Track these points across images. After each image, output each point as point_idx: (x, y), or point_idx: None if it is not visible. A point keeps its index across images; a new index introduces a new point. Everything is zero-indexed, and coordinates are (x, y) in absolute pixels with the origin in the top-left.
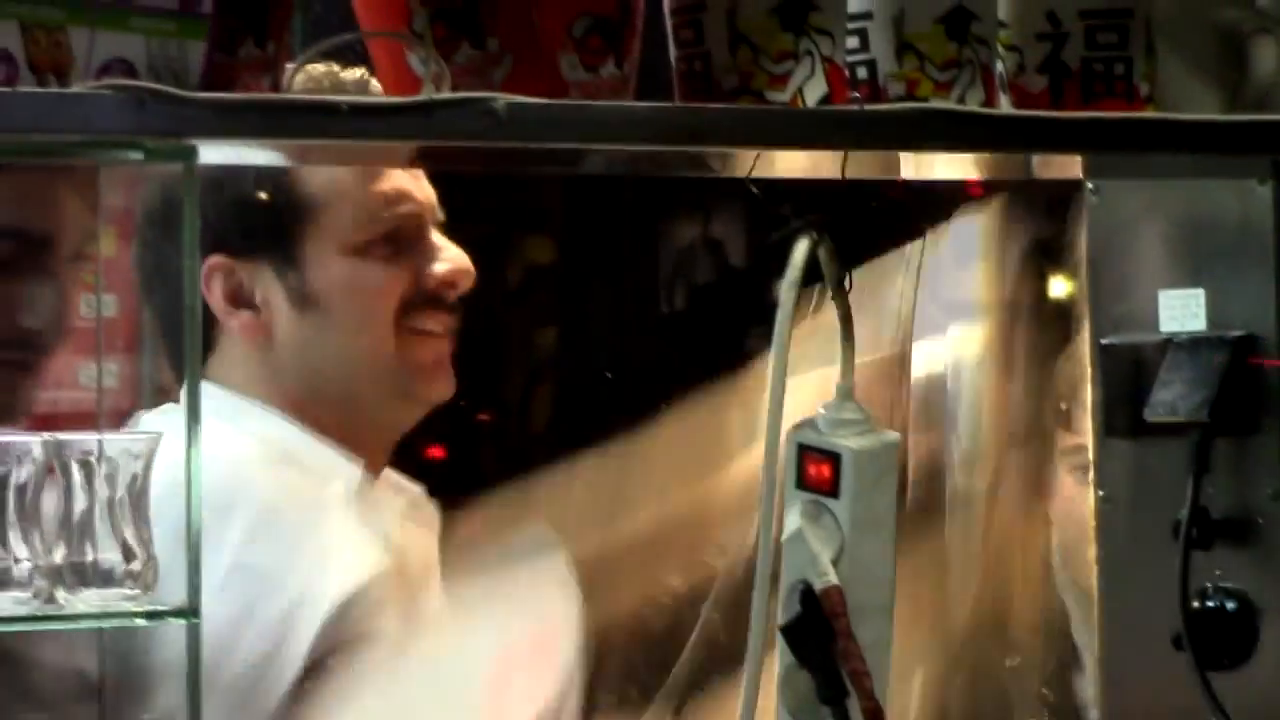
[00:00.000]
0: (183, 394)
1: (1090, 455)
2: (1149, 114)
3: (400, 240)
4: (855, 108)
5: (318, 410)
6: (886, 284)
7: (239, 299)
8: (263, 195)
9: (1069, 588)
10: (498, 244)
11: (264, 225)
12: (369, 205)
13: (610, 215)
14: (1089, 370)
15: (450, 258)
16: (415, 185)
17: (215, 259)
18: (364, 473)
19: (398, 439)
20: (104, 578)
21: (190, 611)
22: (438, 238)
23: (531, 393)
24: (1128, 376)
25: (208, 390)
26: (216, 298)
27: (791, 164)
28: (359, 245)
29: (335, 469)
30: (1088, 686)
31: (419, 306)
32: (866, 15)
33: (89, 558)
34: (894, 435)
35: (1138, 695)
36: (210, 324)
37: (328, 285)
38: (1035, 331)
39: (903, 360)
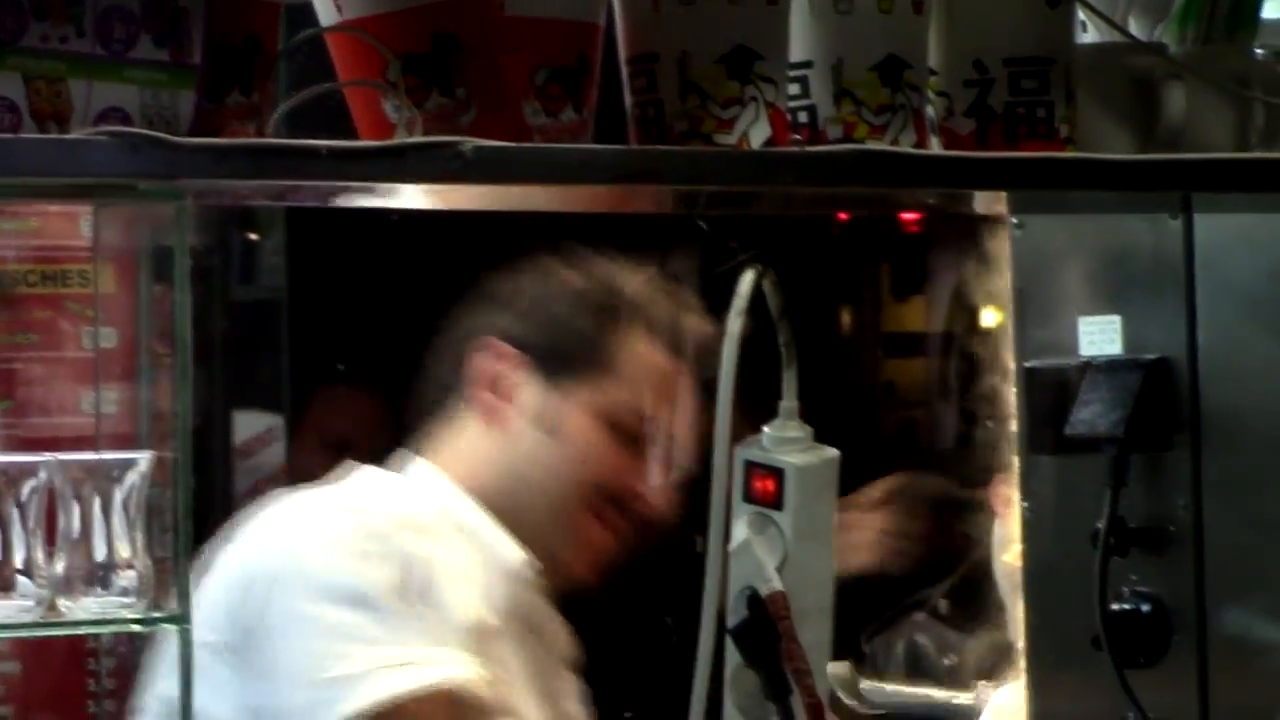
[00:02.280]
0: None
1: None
2: (1069, 154)
3: (626, 442)
4: (797, 149)
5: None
6: None
7: (498, 386)
8: (581, 320)
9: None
10: None
11: (568, 343)
12: (640, 398)
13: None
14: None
15: (648, 482)
16: (665, 410)
17: (495, 340)
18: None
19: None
20: (102, 586)
21: (181, 617)
22: (648, 461)
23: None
24: (1050, 397)
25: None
26: (485, 373)
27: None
28: (608, 420)
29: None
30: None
31: (609, 499)
32: (807, 64)
33: (89, 568)
34: (833, 451)
35: (1061, 692)
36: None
37: (570, 427)
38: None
39: None
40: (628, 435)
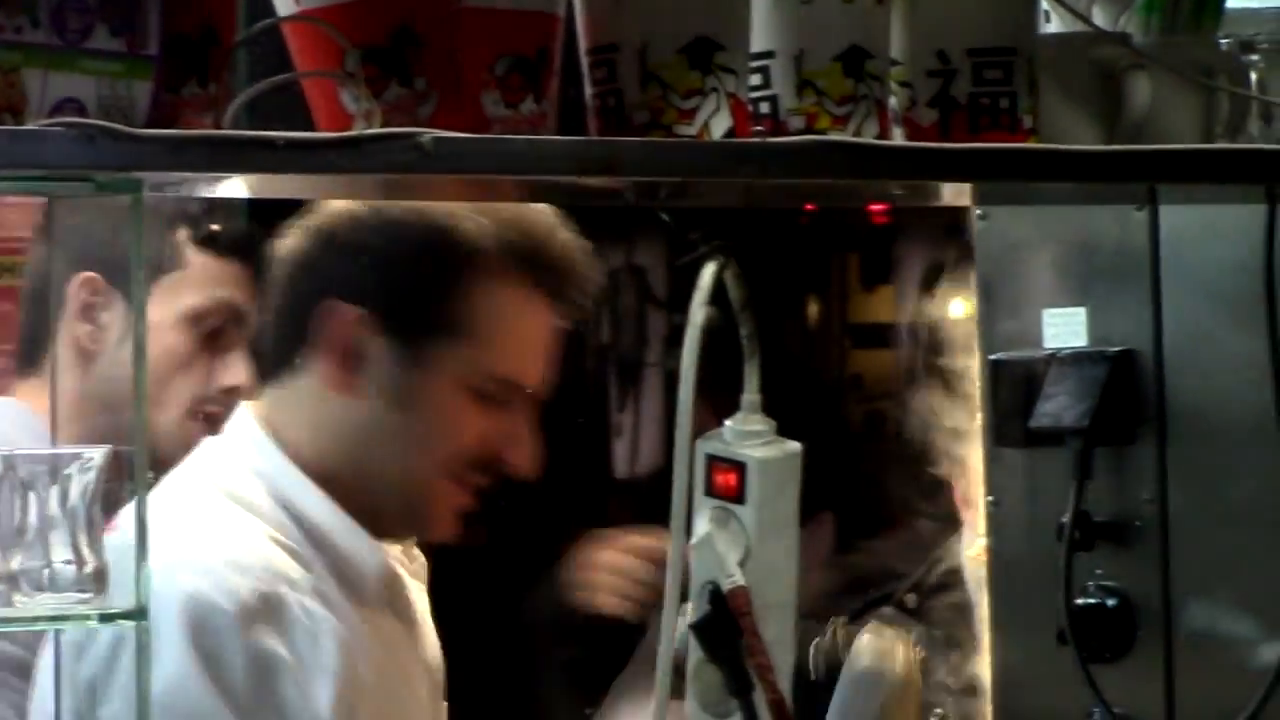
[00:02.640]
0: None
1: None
2: (1033, 145)
3: (496, 408)
4: (758, 140)
5: (338, 487)
6: None
7: (344, 351)
8: (422, 273)
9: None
10: None
11: (417, 306)
12: (498, 361)
13: None
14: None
15: (528, 446)
16: (539, 369)
17: (346, 305)
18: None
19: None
20: (59, 582)
21: (139, 613)
22: (525, 422)
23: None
24: (1015, 390)
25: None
26: (328, 336)
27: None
28: (468, 387)
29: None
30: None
31: (476, 466)
32: (769, 54)
33: (45, 564)
34: (796, 445)
35: (1026, 686)
36: (293, 346)
37: (423, 402)
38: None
39: None
40: (493, 400)
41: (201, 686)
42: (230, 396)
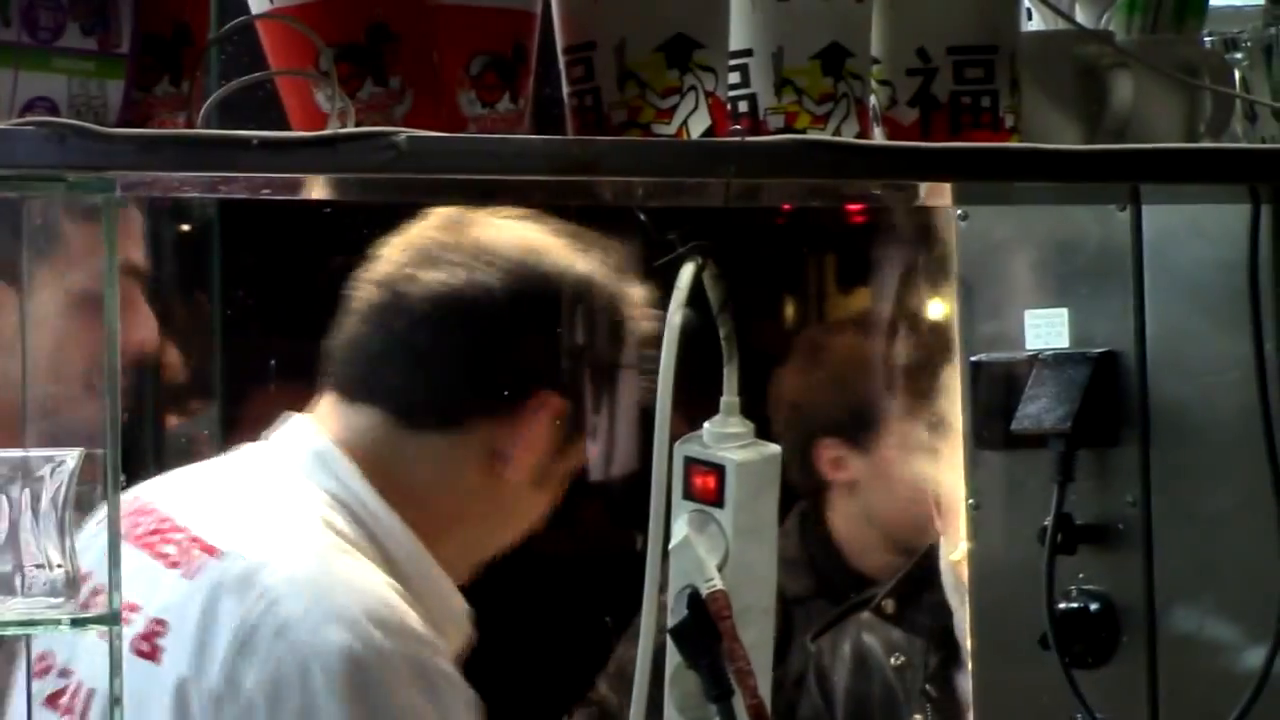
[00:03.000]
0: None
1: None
2: (1014, 144)
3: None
4: (737, 140)
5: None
6: None
7: (548, 441)
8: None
9: (954, 589)
10: None
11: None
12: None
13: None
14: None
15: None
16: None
17: (560, 401)
18: None
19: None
20: (30, 587)
21: (112, 618)
22: None
23: None
24: (996, 392)
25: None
26: (539, 427)
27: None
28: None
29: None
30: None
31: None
32: (747, 52)
33: (15, 568)
34: (775, 448)
35: (1008, 692)
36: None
37: (553, 487)
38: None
39: None
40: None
41: None
42: (139, 351)
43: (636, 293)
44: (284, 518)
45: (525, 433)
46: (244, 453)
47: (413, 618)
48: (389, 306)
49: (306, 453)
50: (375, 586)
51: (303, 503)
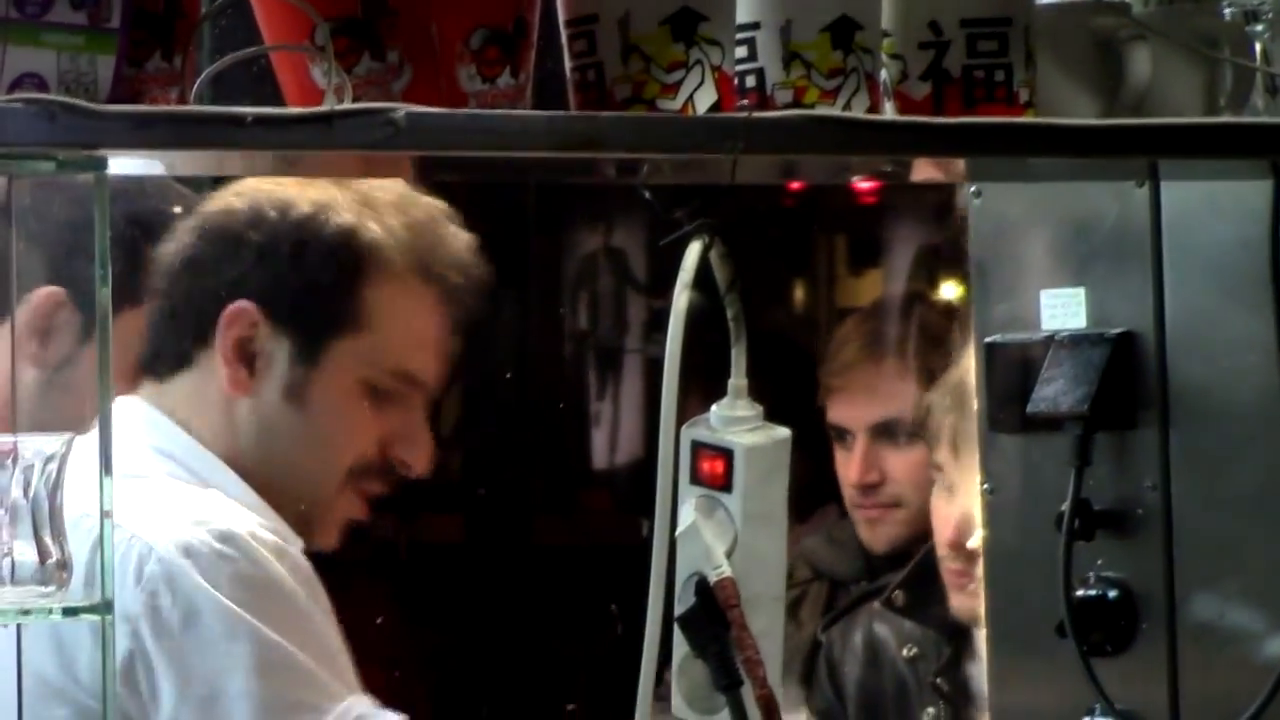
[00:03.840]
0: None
1: (947, 472)
2: (1029, 119)
3: (393, 405)
4: (744, 115)
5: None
6: None
7: (244, 353)
8: (323, 274)
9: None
10: None
11: (315, 304)
12: (395, 355)
13: (515, 224)
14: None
15: (424, 446)
16: (435, 365)
17: (251, 307)
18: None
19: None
20: (20, 576)
21: (104, 607)
22: (422, 420)
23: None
24: (1012, 374)
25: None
26: (229, 339)
27: None
28: (365, 382)
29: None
30: (981, 676)
31: (372, 471)
32: (754, 25)
33: (5, 557)
34: (785, 431)
35: (1024, 682)
36: (192, 344)
37: (321, 399)
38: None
39: None
40: (389, 398)
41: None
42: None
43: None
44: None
45: (224, 348)
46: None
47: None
48: None
49: (135, 419)
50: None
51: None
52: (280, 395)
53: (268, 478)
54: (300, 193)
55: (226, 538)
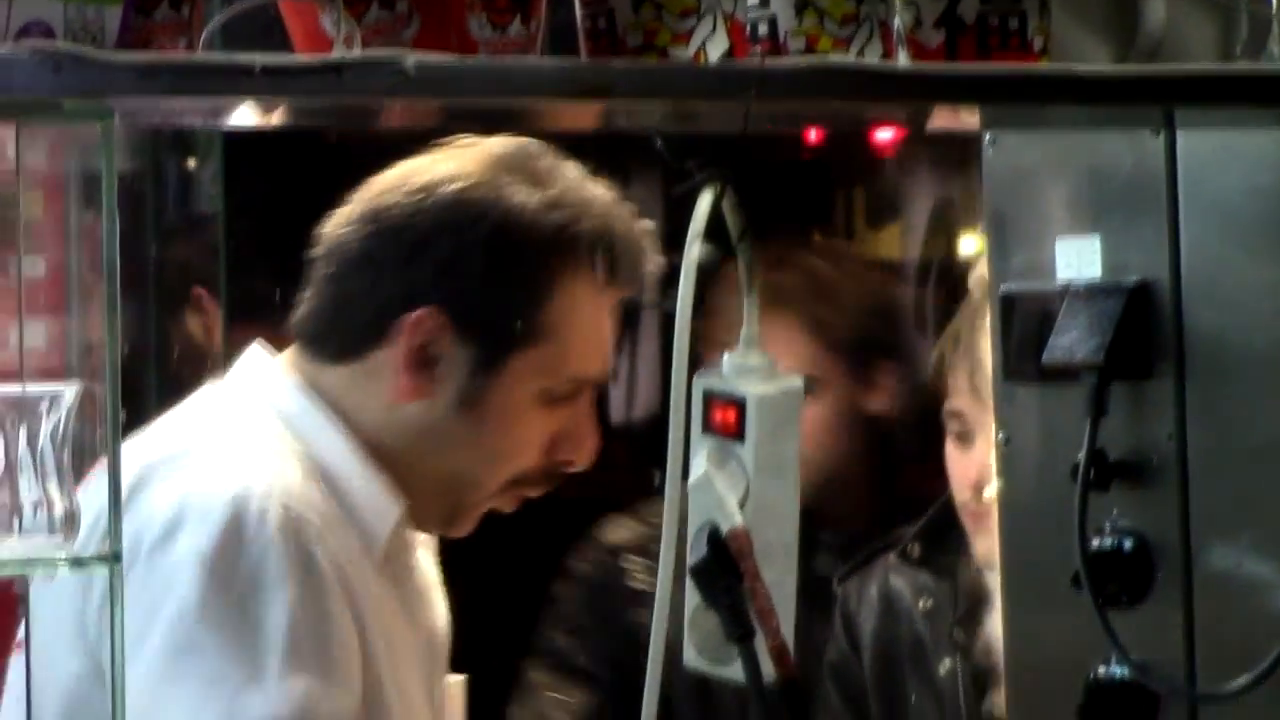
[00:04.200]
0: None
1: (967, 420)
2: (1045, 66)
3: (564, 407)
4: (756, 64)
5: (391, 477)
6: None
7: (424, 359)
8: (512, 289)
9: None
10: None
11: (503, 316)
12: (575, 363)
13: None
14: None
15: (590, 442)
16: (607, 362)
17: (437, 314)
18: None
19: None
20: (28, 526)
21: (114, 556)
22: (589, 416)
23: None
24: (1027, 323)
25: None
26: (411, 346)
27: None
28: (543, 392)
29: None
30: (997, 628)
31: (533, 477)
32: None
33: (13, 507)
34: (797, 381)
35: (1039, 634)
36: (366, 342)
37: (497, 410)
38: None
39: None
40: (561, 401)
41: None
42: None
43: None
44: (215, 428)
45: (404, 355)
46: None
47: (309, 511)
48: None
49: (252, 373)
50: (283, 474)
51: (238, 414)
52: (455, 404)
53: (420, 480)
54: (489, 195)
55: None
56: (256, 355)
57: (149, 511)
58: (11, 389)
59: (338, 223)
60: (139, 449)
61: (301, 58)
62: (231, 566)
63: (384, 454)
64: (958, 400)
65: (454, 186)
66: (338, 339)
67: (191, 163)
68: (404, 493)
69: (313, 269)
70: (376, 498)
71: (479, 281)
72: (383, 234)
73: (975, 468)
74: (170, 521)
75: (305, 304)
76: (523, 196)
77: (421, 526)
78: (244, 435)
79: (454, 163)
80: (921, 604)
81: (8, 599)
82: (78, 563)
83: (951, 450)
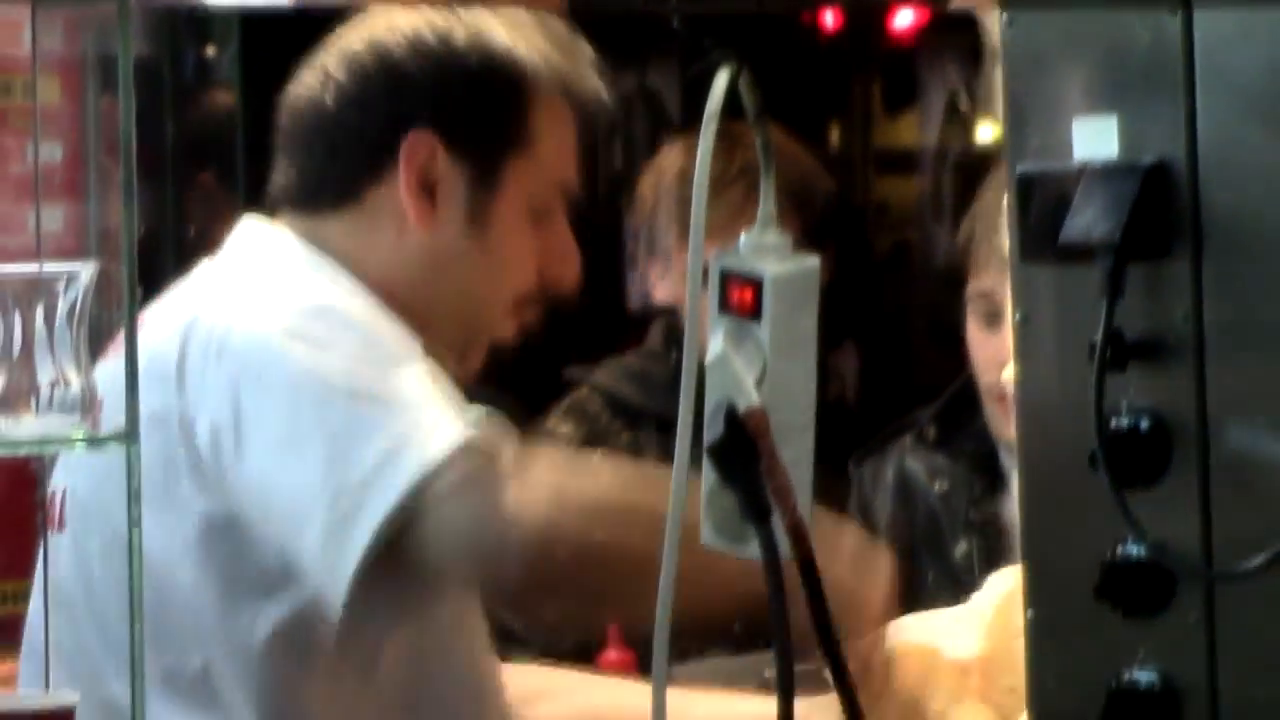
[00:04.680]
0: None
1: (996, 299)
2: None
3: (548, 222)
4: None
5: (404, 318)
6: None
7: (426, 183)
8: (493, 95)
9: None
10: None
11: (489, 125)
12: (556, 168)
13: None
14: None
15: (575, 259)
16: (580, 179)
17: (430, 135)
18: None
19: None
20: (45, 405)
21: (130, 436)
22: (571, 234)
23: None
24: (1044, 204)
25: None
26: (412, 170)
27: None
28: (532, 201)
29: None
30: (1013, 509)
31: (531, 297)
32: None
33: (30, 386)
34: (814, 260)
35: (1055, 515)
36: (362, 181)
37: (501, 223)
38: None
39: None
40: (546, 216)
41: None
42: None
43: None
44: (261, 288)
45: (405, 182)
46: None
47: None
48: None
49: (250, 240)
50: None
51: (246, 275)
52: (463, 222)
53: (433, 311)
54: (446, 20)
55: (307, 312)
56: (251, 225)
57: (203, 329)
58: (28, 268)
59: (305, 83)
60: (151, 320)
61: None
62: (317, 333)
63: (395, 297)
64: (985, 280)
65: (422, 20)
66: (333, 186)
67: (210, 48)
68: (418, 334)
69: (286, 135)
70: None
71: (464, 97)
72: (361, 72)
73: (1004, 348)
74: (225, 327)
75: (285, 170)
76: (490, 21)
77: (443, 367)
78: (262, 286)
79: (415, 12)
80: (937, 486)
81: (26, 479)
82: (94, 441)
83: (976, 332)
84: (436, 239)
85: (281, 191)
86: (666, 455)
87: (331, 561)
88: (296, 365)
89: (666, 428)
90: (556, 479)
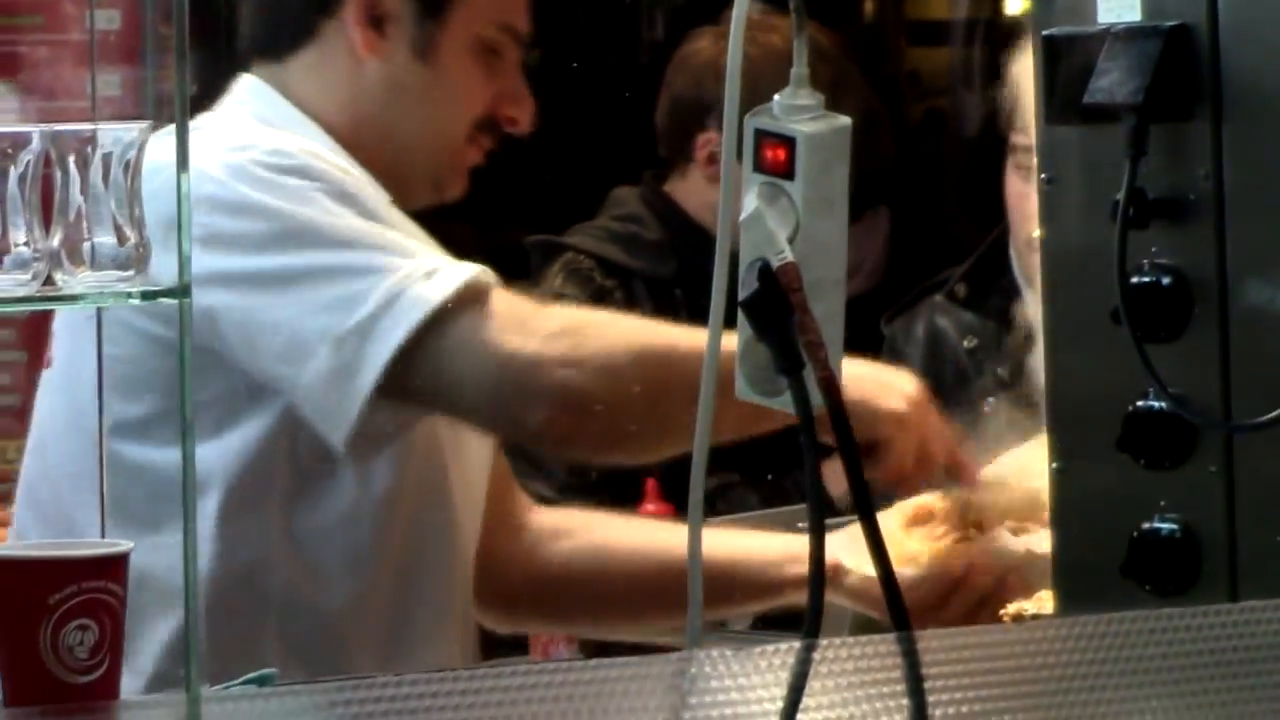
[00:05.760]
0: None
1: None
2: None
3: (500, 63)
4: None
5: (364, 152)
6: None
7: (373, 14)
8: None
9: (1022, 275)
10: None
11: None
12: (503, 9)
13: None
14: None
15: (528, 102)
16: (529, 24)
17: None
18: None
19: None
20: (100, 260)
21: (183, 290)
22: (523, 79)
23: None
24: (1069, 66)
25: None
26: (358, 2)
27: None
28: (479, 39)
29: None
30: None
31: (487, 127)
32: None
33: (85, 241)
34: (845, 120)
35: (1079, 370)
36: (314, 15)
37: (447, 54)
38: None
39: None
40: (496, 55)
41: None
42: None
43: None
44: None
45: (354, 11)
46: None
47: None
48: None
49: (233, 93)
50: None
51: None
52: (409, 53)
53: (396, 142)
54: None
55: (276, 151)
56: (239, 80)
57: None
58: (84, 126)
59: None
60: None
61: None
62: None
63: (357, 134)
64: (1023, 134)
65: None
66: (289, 24)
67: None
68: (388, 174)
69: None
70: (365, 184)
71: None
72: None
73: None
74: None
75: (250, 19)
76: None
77: (416, 200)
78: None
79: None
80: (966, 343)
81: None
82: (147, 295)
83: (1017, 184)
84: (387, 69)
85: (250, 42)
86: (658, 313)
87: (335, 403)
88: (274, 213)
89: (655, 286)
90: (569, 321)
